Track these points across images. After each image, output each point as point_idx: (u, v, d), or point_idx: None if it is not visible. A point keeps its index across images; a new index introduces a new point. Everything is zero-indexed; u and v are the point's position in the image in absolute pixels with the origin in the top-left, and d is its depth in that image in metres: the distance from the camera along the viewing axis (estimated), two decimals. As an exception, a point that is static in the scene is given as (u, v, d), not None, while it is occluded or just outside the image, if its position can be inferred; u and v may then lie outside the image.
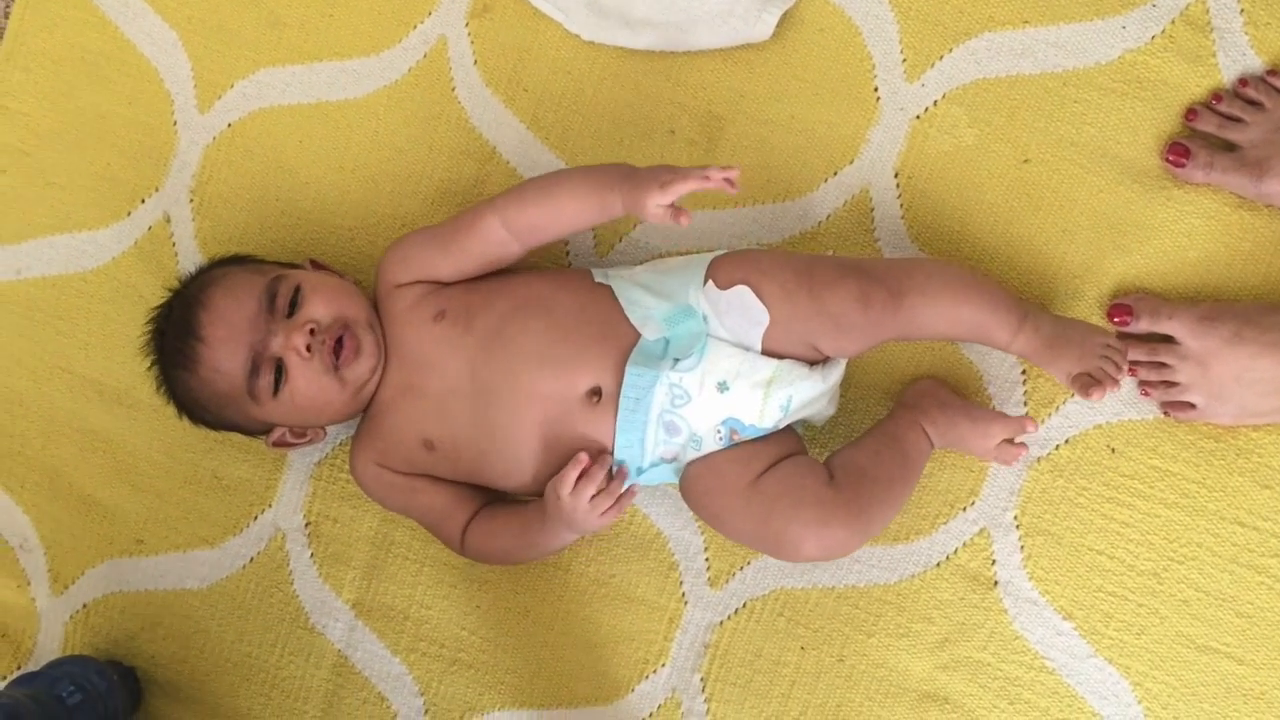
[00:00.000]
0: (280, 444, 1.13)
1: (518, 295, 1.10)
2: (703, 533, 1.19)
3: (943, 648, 1.17)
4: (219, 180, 1.25)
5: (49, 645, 1.26)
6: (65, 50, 1.27)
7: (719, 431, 1.07)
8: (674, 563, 1.20)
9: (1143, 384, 1.14)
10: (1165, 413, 1.14)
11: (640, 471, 1.09)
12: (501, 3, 1.22)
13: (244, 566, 1.24)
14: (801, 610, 1.18)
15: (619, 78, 1.21)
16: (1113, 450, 1.16)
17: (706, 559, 1.19)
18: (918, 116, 1.18)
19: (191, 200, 1.25)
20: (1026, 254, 1.17)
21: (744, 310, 1.06)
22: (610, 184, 1.05)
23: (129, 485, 1.25)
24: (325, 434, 1.16)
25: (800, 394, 1.07)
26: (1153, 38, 1.16)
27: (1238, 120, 1.13)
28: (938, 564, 1.17)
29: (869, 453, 1.10)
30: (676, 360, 1.05)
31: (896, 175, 1.18)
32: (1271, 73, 1.14)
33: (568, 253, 1.22)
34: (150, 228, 1.26)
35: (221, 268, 1.13)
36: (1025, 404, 1.16)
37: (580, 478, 1.05)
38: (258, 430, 1.13)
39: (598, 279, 1.11)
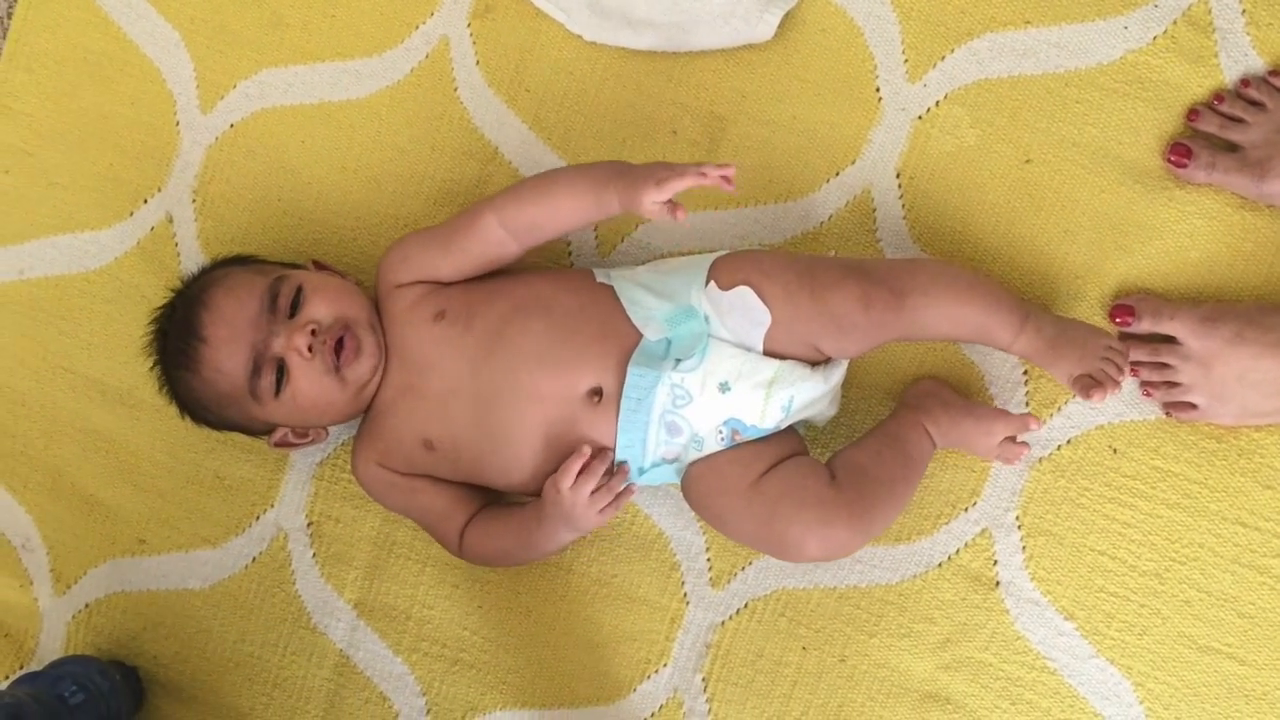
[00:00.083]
0: (282, 444, 1.13)
1: (519, 295, 1.10)
2: (704, 533, 1.19)
3: (944, 648, 1.17)
4: (221, 180, 1.25)
5: (51, 645, 1.26)
6: (68, 50, 1.27)
7: (720, 432, 1.07)
8: (676, 563, 1.20)
9: (1145, 384, 1.14)
10: (1167, 413, 1.14)
11: (641, 471, 1.09)
12: (503, 3, 1.22)
13: (246, 566, 1.24)
14: (803, 610, 1.18)
15: (621, 78, 1.21)
16: (1115, 451, 1.16)
17: (708, 559, 1.19)
18: (919, 117, 1.18)
19: (194, 200, 1.25)
20: (1028, 254, 1.17)
21: (746, 311, 1.06)
22: (606, 181, 1.05)
23: (131, 485, 1.25)
24: (327, 434, 1.16)
25: (802, 395, 1.07)
26: (1155, 38, 1.16)
27: (1239, 121, 1.13)
28: (939, 564, 1.17)
29: (871, 453, 1.10)
30: (678, 361, 1.05)
31: (898, 176, 1.18)
32: (1273, 73, 1.14)
33: (570, 253, 1.22)
34: (153, 228, 1.26)
35: (223, 268, 1.13)
36: (1027, 404, 1.16)
37: (581, 473, 1.05)
38: (260, 430, 1.14)
39: (599, 279, 1.11)
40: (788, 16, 1.18)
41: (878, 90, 1.19)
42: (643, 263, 1.16)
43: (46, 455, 1.27)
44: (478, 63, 1.23)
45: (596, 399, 1.06)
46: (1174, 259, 1.16)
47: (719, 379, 1.05)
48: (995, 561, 1.17)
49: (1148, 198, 1.16)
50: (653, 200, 1.01)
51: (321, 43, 1.24)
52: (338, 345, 1.07)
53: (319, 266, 1.16)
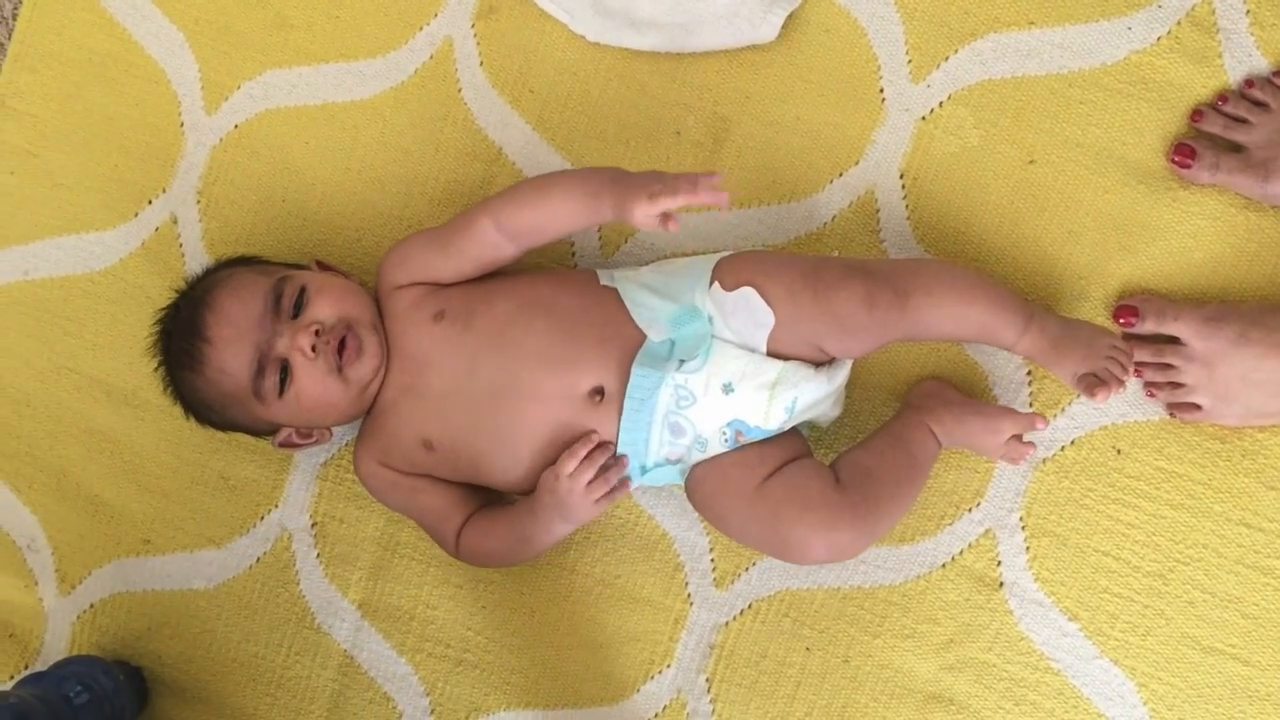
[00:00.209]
0: (286, 445, 1.14)
1: (521, 296, 1.10)
2: (708, 533, 1.19)
3: (948, 649, 1.17)
4: (226, 181, 1.25)
5: (56, 645, 1.26)
6: (73, 52, 1.27)
7: (724, 433, 1.07)
8: (679, 563, 1.20)
9: (1148, 385, 1.14)
10: (1171, 414, 1.14)
11: (644, 470, 1.09)
12: (507, 4, 1.22)
13: (250, 567, 1.24)
14: (807, 611, 1.18)
15: (624, 79, 1.21)
16: (1118, 451, 1.16)
17: (712, 560, 1.20)
18: (923, 118, 1.18)
19: (198, 201, 1.25)
20: (1032, 255, 1.17)
21: (749, 312, 1.06)
22: (600, 189, 1.05)
23: (136, 485, 1.25)
24: (331, 434, 1.16)
25: (805, 395, 1.07)
26: (1158, 39, 1.16)
27: (1243, 121, 1.13)
28: (943, 565, 1.17)
29: (875, 454, 1.10)
30: (682, 362, 1.05)
31: (902, 176, 1.18)
32: (1277, 73, 1.14)
33: (573, 253, 1.22)
34: (157, 229, 1.26)
35: (227, 269, 1.14)
36: (1031, 405, 1.16)
37: (581, 462, 1.05)
38: (264, 431, 1.14)
39: (603, 280, 1.11)
40: (791, 17, 1.18)
41: (881, 91, 1.19)
42: (646, 263, 1.16)
43: (51, 455, 1.27)
44: (481, 64, 1.23)
45: (598, 398, 1.06)
46: (1178, 260, 1.15)
47: (723, 380, 1.05)
48: (999, 562, 1.17)
49: (1151, 198, 1.16)
50: (644, 213, 1.01)
51: (325, 44, 1.24)
52: (341, 345, 1.07)
53: (322, 267, 1.16)
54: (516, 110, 1.22)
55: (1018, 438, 1.11)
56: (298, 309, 1.08)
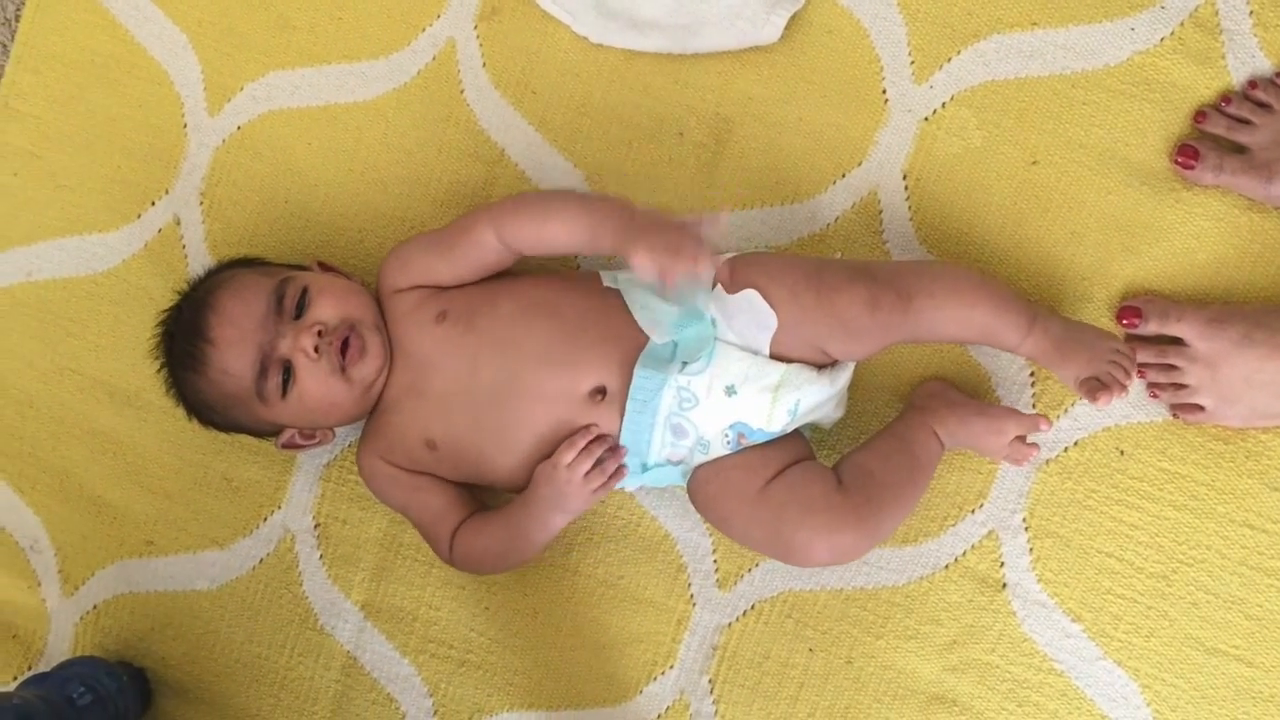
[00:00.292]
0: (289, 446, 1.14)
1: (524, 297, 1.10)
2: (711, 535, 1.19)
3: (951, 650, 1.17)
4: (228, 183, 1.25)
5: (59, 646, 1.26)
6: (75, 53, 1.27)
7: (727, 435, 1.07)
8: (682, 564, 1.20)
9: (1151, 386, 1.14)
10: (1174, 415, 1.14)
11: (645, 468, 1.09)
12: (510, 5, 1.22)
13: (253, 568, 1.24)
14: (809, 612, 1.18)
15: (627, 80, 1.21)
16: (1121, 452, 1.16)
17: (714, 561, 1.20)
18: (926, 119, 1.18)
19: (201, 203, 1.26)
20: (1035, 256, 1.17)
21: (752, 314, 1.06)
22: (603, 223, 1.05)
23: (139, 487, 1.25)
24: (334, 435, 1.16)
25: (808, 398, 1.07)
26: (1162, 40, 1.16)
27: (1247, 122, 1.13)
28: (946, 566, 1.17)
29: (878, 456, 1.10)
30: (685, 364, 1.05)
31: (905, 177, 1.18)
32: (1281, 74, 1.14)
33: (576, 255, 1.22)
34: (160, 230, 1.26)
35: (230, 270, 1.14)
36: (1034, 406, 1.16)
37: (580, 452, 1.05)
38: (267, 432, 1.14)
39: (606, 282, 1.11)
40: (794, 18, 1.18)
41: (884, 92, 1.19)
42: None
43: (54, 457, 1.27)
44: (484, 65, 1.23)
45: (599, 398, 1.06)
46: (1181, 261, 1.15)
47: (725, 382, 1.05)
48: (1002, 563, 1.17)
49: (1155, 199, 1.15)
50: (641, 268, 1.00)
51: (328, 45, 1.24)
52: (343, 346, 1.07)
53: (324, 268, 1.16)
54: (519, 111, 1.22)
55: (1021, 438, 1.11)
56: (300, 310, 1.08)
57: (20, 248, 1.28)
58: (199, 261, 1.25)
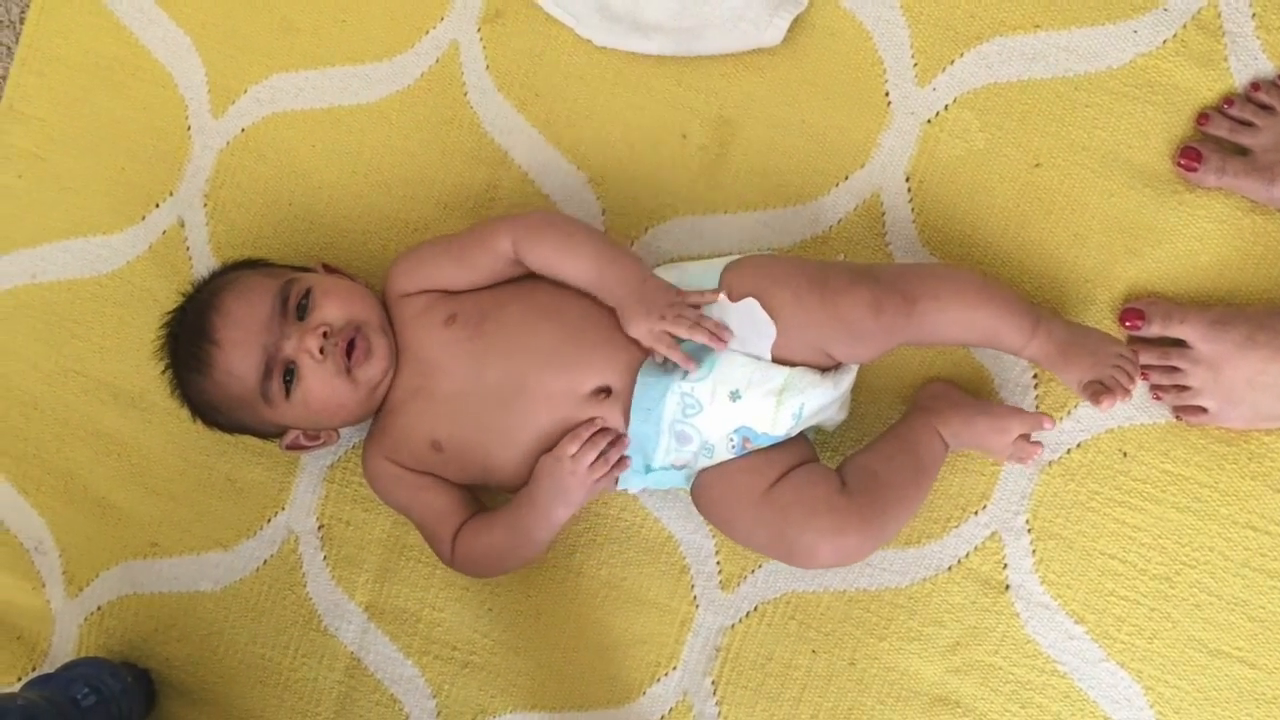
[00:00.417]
0: (294, 447, 1.14)
1: (531, 301, 1.10)
2: (714, 536, 1.19)
3: (954, 651, 1.17)
4: (232, 185, 1.26)
5: (64, 647, 1.27)
6: (80, 55, 1.28)
7: (731, 440, 1.07)
8: (685, 566, 1.20)
9: (1154, 388, 1.14)
10: (1177, 417, 1.14)
11: (649, 470, 1.09)
12: (513, 8, 1.22)
13: (257, 569, 1.25)
14: (813, 614, 1.18)
15: (631, 82, 1.21)
16: (1124, 454, 1.16)
17: (718, 562, 1.20)
18: (929, 121, 1.18)
19: (205, 204, 1.26)
20: (1038, 258, 1.17)
21: (752, 323, 1.06)
22: (608, 284, 1.07)
23: (143, 488, 1.26)
24: (338, 436, 1.16)
25: (812, 401, 1.07)
26: (1164, 42, 1.16)
27: (1249, 125, 1.13)
28: (949, 568, 1.17)
29: (881, 458, 1.10)
30: (686, 371, 1.05)
31: (908, 180, 1.18)
32: (1283, 77, 1.14)
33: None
34: (164, 232, 1.26)
35: (234, 271, 1.14)
36: (1037, 408, 1.16)
37: (584, 444, 1.06)
38: (271, 433, 1.14)
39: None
40: (797, 21, 1.18)
41: (887, 94, 1.19)
42: (654, 267, 1.16)
43: (59, 458, 1.27)
44: (488, 67, 1.23)
45: (603, 397, 1.07)
46: (1184, 263, 1.15)
47: (730, 387, 1.05)
48: (1005, 565, 1.17)
49: (1157, 202, 1.15)
50: (640, 337, 1.05)
51: (332, 48, 1.25)
52: (349, 347, 1.07)
53: (328, 270, 1.17)
54: (522, 114, 1.22)
55: (1025, 437, 1.11)
56: (305, 311, 1.08)
57: (25, 250, 1.28)
58: (203, 263, 1.25)
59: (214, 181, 1.26)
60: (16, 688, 1.22)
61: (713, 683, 1.20)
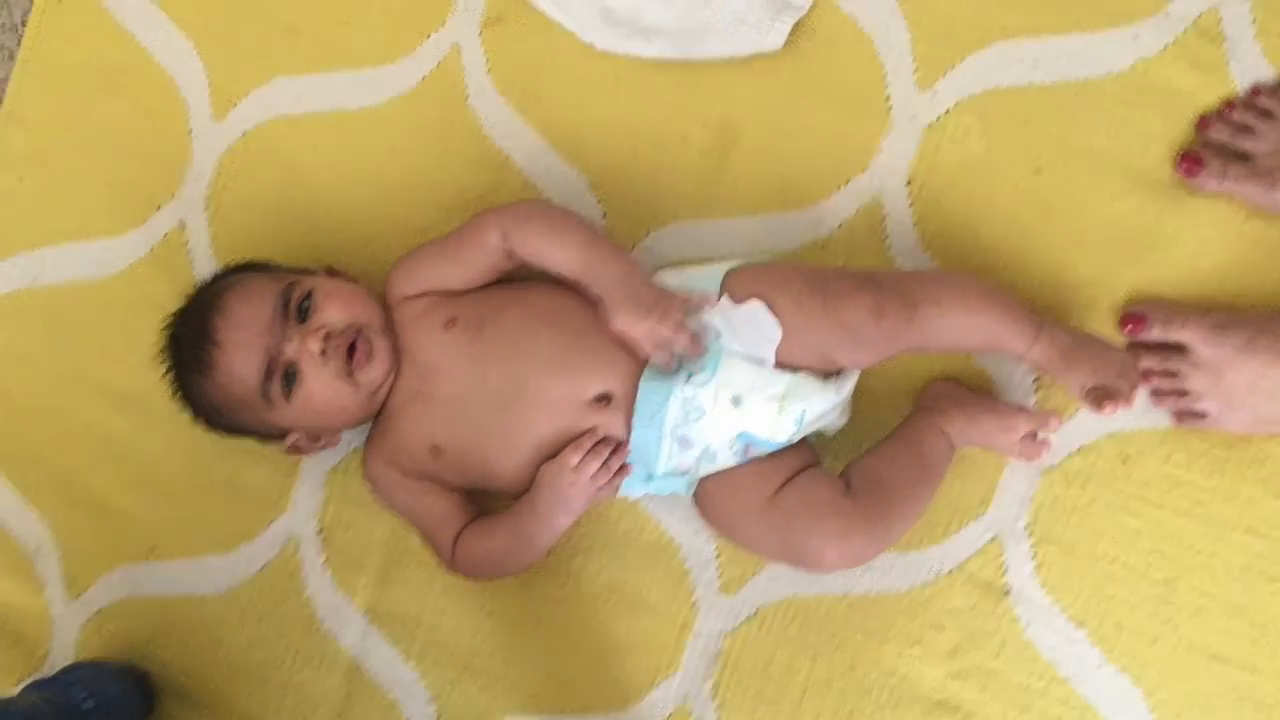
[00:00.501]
0: (295, 449, 1.14)
1: (531, 304, 1.10)
2: (714, 540, 1.19)
3: (954, 656, 1.17)
4: (234, 188, 1.26)
5: (64, 650, 1.27)
6: (82, 59, 1.28)
7: (734, 446, 1.07)
8: (685, 570, 1.20)
9: (1155, 392, 1.14)
10: (1177, 421, 1.14)
11: (650, 478, 1.09)
12: (514, 12, 1.22)
13: (258, 572, 1.25)
14: (813, 618, 1.18)
15: (632, 86, 1.21)
16: (1125, 459, 1.15)
17: (718, 566, 1.20)
18: (930, 125, 1.18)
19: (207, 208, 1.26)
20: (1039, 263, 1.17)
21: (756, 326, 1.06)
22: (596, 274, 1.07)
23: (144, 491, 1.26)
24: (339, 439, 1.16)
25: (814, 407, 1.07)
26: (1165, 47, 1.16)
27: (1250, 129, 1.13)
28: (949, 572, 1.17)
29: (886, 459, 1.10)
30: (690, 375, 1.05)
31: (908, 184, 1.18)
32: (1284, 82, 1.14)
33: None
34: (166, 235, 1.26)
35: (236, 274, 1.14)
36: (1037, 413, 1.16)
37: (586, 453, 1.06)
38: (272, 435, 1.14)
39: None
40: (798, 25, 1.18)
41: (888, 99, 1.19)
42: (654, 270, 1.16)
43: (59, 461, 1.27)
44: (489, 71, 1.23)
45: (604, 404, 1.07)
46: (1185, 267, 1.15)
47: (731, 393, 1.05)
48: (1005, 569, 1.17)
49: (1159, 207, 1.16)
50: (622, 333, 1.05)
51: (333, 51, 1.25)
52: (351, 349, 1.07)
53: (330, 272, 1.17)
54: (524, 118, 1.23)
55: (1031, 435, 1.11)
56: (306, 313, 1.08)
57: (26, 253, 1.28)
58: (204, 266, 1.25)
59: (215, 185, 1.26)
60: (16, 691, 1.21)
61: (713, 687, 1.20)
